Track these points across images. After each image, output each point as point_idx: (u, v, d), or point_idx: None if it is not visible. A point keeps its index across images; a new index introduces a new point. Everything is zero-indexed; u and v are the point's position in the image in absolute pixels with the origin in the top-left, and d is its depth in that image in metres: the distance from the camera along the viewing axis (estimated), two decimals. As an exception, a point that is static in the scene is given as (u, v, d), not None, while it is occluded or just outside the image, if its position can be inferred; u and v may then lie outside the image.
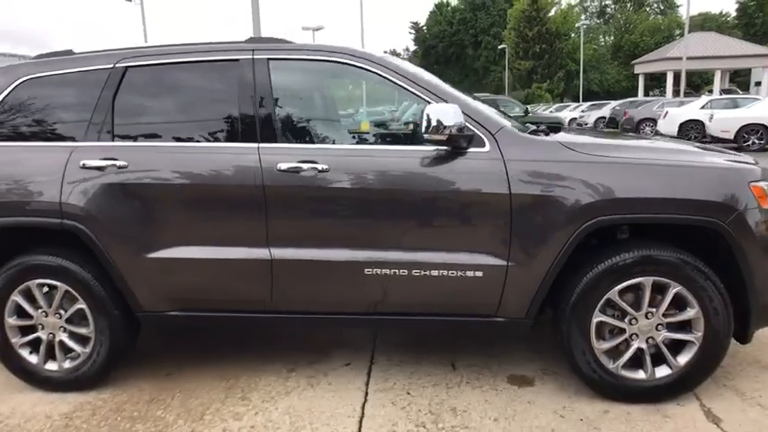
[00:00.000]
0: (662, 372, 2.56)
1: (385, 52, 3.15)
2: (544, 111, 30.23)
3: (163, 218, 2.66)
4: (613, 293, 2.50)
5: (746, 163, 2.62)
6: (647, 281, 2.47)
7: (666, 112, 16.78)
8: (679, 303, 2.51)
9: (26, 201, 2.71)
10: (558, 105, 34.31)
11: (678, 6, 55.00)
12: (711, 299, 2.45)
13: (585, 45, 47.36)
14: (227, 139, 2.68)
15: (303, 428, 2.50)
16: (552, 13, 50.37)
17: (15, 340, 2.85)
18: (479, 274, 2.53)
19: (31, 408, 2.74)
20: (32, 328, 2.85)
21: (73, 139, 2.74)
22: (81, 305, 2.77)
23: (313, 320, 2.77)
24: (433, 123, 2.37)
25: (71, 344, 2.83)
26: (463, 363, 3.05)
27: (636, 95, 34.66)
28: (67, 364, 2.84)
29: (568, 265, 2.52)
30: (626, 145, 2.75)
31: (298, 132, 2.70)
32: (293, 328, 3.26)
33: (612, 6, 59.82)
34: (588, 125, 25.26)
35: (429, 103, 2.53)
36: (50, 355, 2.85)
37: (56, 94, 2.83)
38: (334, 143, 2.71)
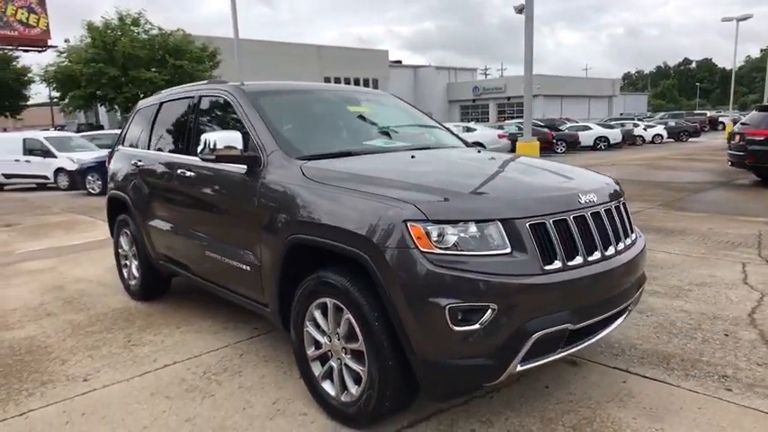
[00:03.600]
0: (347, 397, 2.59)
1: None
2: None
3: (149, 198, 4.22)
4: (312, 308, 2.69)
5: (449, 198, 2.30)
6: (330, 302, 2.58)
7: None
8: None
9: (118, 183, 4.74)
10: None
11: None
12: (368, 335, 2.38)
13: None
14: (176, 152, 3.98)
15: (165, 351, 3.64)
16: None
17: (124, 262, 4.94)
18: (248, 268, 3.12)
19: (115, 302, 4.76)
20: (126, 258, 4.88)
21: (137, 147, 4.59)
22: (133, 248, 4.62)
23: (201, 283, 3.82)
24: (219, 147, 3.09)
25: (135, 272, 4.72)
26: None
27: None
28: (133, 282, 4.76)
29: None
30: (359, 173, 2.71)
31: (196, 148, 3.77)
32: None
33: None
34: None
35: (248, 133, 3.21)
36: (130, 276, 4.83)
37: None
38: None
